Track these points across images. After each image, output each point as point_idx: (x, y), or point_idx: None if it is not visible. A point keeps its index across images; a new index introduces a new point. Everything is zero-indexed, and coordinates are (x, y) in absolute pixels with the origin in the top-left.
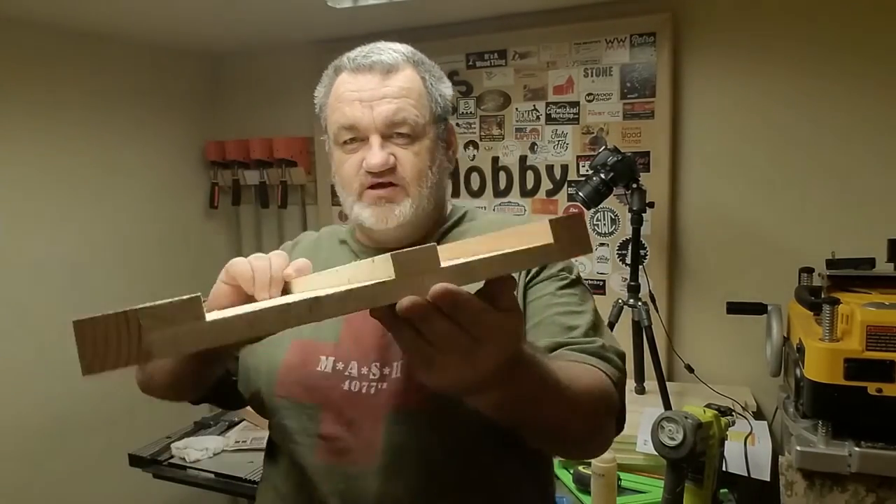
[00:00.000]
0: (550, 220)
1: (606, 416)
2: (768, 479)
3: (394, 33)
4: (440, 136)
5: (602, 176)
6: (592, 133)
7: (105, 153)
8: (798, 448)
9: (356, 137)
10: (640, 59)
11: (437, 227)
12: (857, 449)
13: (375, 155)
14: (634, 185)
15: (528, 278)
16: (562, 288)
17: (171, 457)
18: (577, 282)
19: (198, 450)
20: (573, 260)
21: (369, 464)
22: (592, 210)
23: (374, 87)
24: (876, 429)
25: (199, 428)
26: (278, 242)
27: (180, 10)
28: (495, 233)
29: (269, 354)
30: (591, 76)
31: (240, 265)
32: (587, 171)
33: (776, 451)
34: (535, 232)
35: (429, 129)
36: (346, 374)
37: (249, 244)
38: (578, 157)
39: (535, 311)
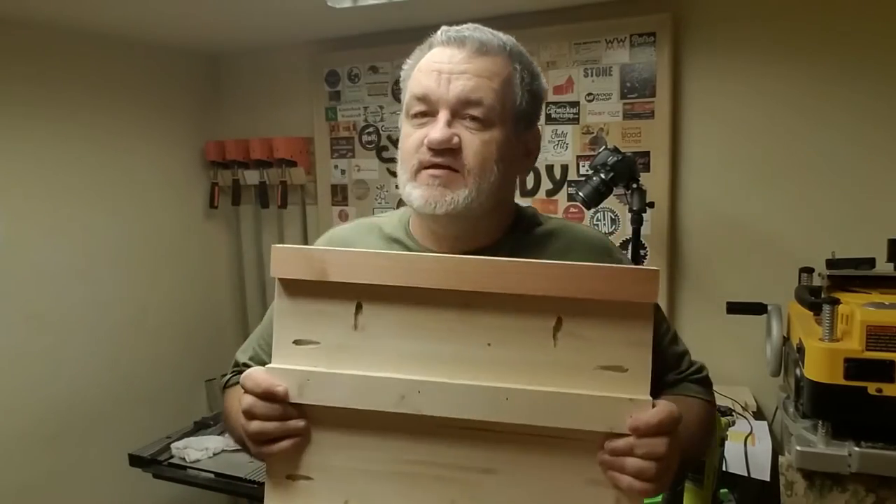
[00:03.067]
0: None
1: (712, 438)
2: (768, 479)
3: (393, 33)
4: (518, 136)
5: (602, 176)
6: (592, 133)
7: (105, 153)
8: (798, 448)
9: (426, 112)
10: (640, 59)
11: (504, 229)
12: (857, 449)
13: (438, 130)
14: (634, 185)
15: None
16: (657, 310)
17: (171, 457)
18: None
19: (198, 450)
20: None
21: None
22: (592, 210)
23: (459, 61)
24: (876, 429)
25: (199, 428)
26: (278, 242)
27: (180, 10)
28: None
29: None
30: (591, 76)
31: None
32: (587, 171)
33: (776, 451)
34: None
35: (506, 121)
36: None
37: (249, 244)
38: (578, 157)
39: None
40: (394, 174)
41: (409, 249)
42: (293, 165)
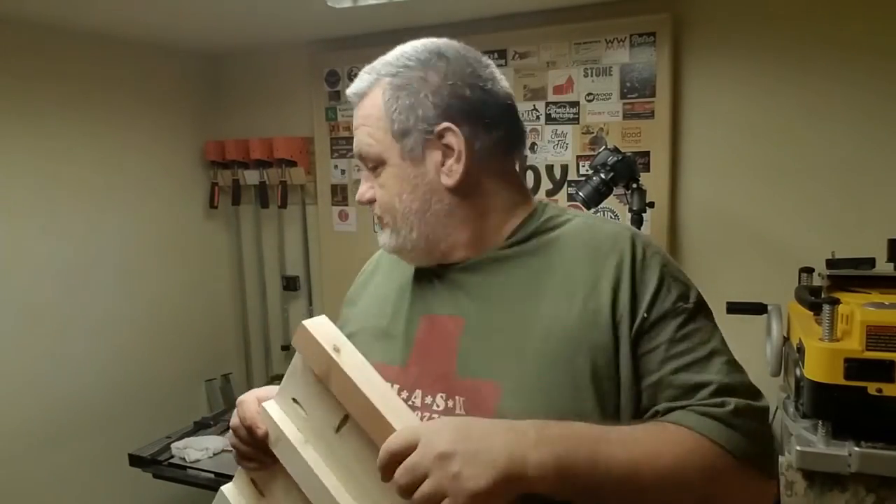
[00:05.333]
0: None
1: (706, 486)
2: None
3: (393, 33)
4: (414, 154)
5: (602, 176)
6: (592, 133)
7: (105, 153)
8: (798, 448)
9: None
10: (640, 59)
11: (493, 239)
12: (857, 449)
13: (359, 190)
14: (634, 185)
15: (637, 323)
16: (681, 327)
17: (171, 457)
18: (697, 311)
19: (198, 450)
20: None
21: None
22: (592, 210)
23: (356, 117)
24: (876, 429)
25: (199, 428)
26: (278, 242)
27: (180, 11)
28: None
29: None
30: (591, 76)
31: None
32: (587, 171)
33: (776, 451)
34: None
35: (389, 152)
36: (410, 402)
37: (249, 244)
38: (578, 156)
39: (651, 367)
40: None
41: (406, 270)
42: (293, 165)
